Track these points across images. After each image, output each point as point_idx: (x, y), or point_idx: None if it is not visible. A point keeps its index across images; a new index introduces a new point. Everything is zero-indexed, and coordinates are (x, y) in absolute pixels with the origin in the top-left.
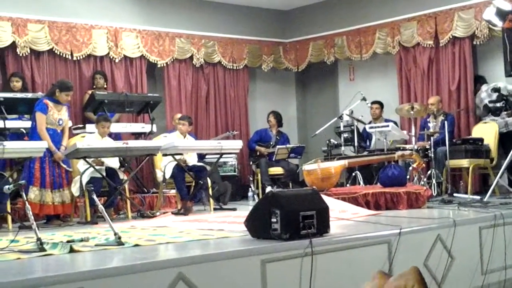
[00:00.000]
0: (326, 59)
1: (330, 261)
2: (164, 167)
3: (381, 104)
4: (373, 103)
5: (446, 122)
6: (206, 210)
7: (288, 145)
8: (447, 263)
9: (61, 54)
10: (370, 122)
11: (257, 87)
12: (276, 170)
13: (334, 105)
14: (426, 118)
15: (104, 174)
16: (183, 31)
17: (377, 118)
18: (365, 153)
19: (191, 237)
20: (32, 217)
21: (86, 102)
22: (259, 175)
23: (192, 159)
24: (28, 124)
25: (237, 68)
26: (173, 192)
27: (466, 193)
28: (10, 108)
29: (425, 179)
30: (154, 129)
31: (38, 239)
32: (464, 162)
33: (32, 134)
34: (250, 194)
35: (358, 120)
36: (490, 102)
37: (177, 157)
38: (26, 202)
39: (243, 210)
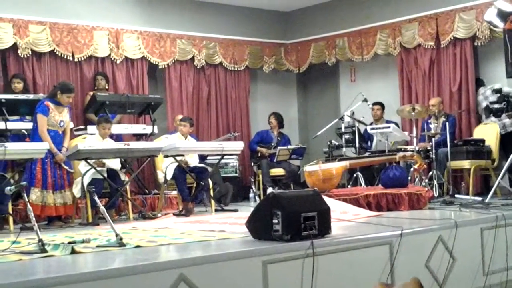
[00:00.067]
0: (327, 60)
1: (332, 262)
2: (165, 168)
3: (382, 105)
4: (374, 104)
5: (447, 123)
6: (207, 211)
7: (289, 146)
8: (448, 264)
9: (62, 56)
10: (371, 123)
11: (258, 88)
12: (278, 171)
13: (335, 106)
14: (427, 119)
15: (106, 175)
16: (184, 32)
17: (378, 119)
18: (367, 154)
19: (192, 238)
20: (34, 219)
21: (87, 104)
22: (260, 176)
23: (193, 160)
24: (29, 125)
25: (238, 69)
26: (174, 193)
27: (467, 194)
28: (12, 109)
29: (426, 180)
30: (155, 131)
31: (40, 240)
32: (466, 163)
33: (33, 135)
34: (251, 195)
35: (359, 121)
36: (492, 103)
37: (179, 158)
38: (28, 204)
39: (245, 211)
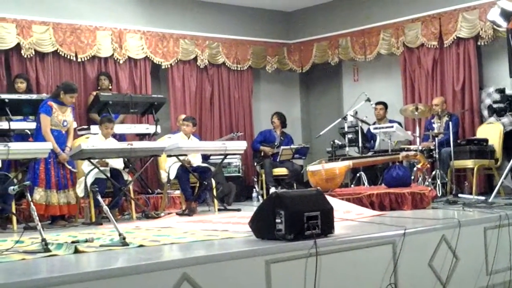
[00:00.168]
0: (330, 60)
1: (335, 261)
2: (168, 168)
3: (385, 105)
4: (377, 103)
5: (450, 122)
6: (210, 211)
7: (292, 146)
8: (452, 263)
9: (65, 56)
10: (374, 123)
11: (261, 88)
12: (281, 170)
13: (338, 106)
14: (431, 119)
15: (109, 175)
16: (187, 32)
17: (382, 118)
18: (370, 153)
19: (195, 238)
20: (37, 218)
21: (90, 103)
22: (263, 175)
23: (196, 160)
24: (32, 125)
25: (241, 69)
26: (177, 193)
27: (470, 193)
28: (15, 109)
29: (429, 180)
30: (159, 130)
31: (43, 239)
32: (469, 163)
33: (36, 135)
34: (254, 194)
35: (363, 121)
36: (495, 102)
37: (182, 158)
38: (31, 203)
39: (248, 210)
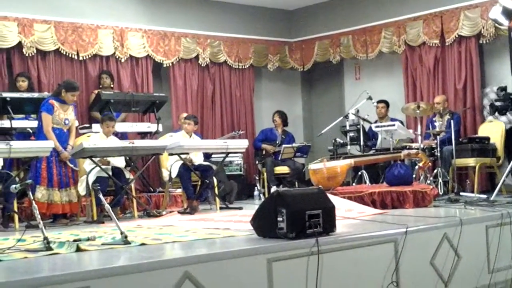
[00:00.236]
0: (332, 58)
1: (336, 260)
2: (170, 166)
3: (387, 103)
4: (379, 102)
5: (452, 121)
6: (212, 209)
7: (294, 144)
8: (453, 262)
9: (67, 54)
10: (376, 121)
11: (262, 86)
12: (282, 169)
13: (340, 104)
14: (432, 117)
15: (110, 173)
16: (188, 30)
17: (383, 117)
18: (371, 152)
19: (197, 236)
20: (39, 216)
21: (92, 102)
22: (265, 174)
23: (198, 159)
24: (34, 123)
25: (243, 67)
26: (179, 191)
27: (472, 192)
28: (17, 107)
29: (431, 178)
30: (160, 129)
31: (45, 238)
32: (471, 161)
33: (38, 134)
34: (256, 193)
35: (364, 119)
36: (497, 100)
37: (183, 156)
38: (33, 202)
39: (249, 209)
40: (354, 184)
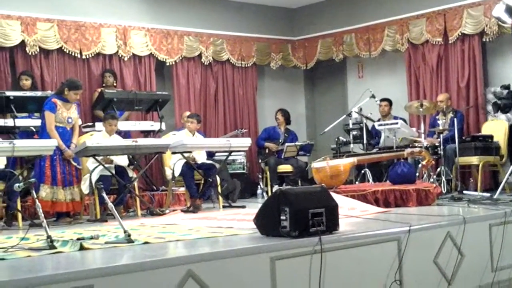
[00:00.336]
0: (335, 56)
1: (340, 258)
2: (173, 165)
3: (390, 102)
4: (382, 100)
5: (455, 119)
6: (215, 208)
7: (297, 143)
8: (457, 260)
9: (70, 53)
10: (379, 120)
11: (265, 85)
12: (285, 167)
13: (343, 102)
14: (435, 116)
15: (114, 172)
16: (191, 29)
17: (386, 115)
18: (374, 150)
19: (200, 235)
20: (42, 215)
21: (95, 100)
22: (267, 172)
23: (201, 157)
24: (37, 122)
25: (246, 66)
26: (182, 189)
27: (475, 190)
28: (20, 106)
29: (434, 177)
30: (163, 127)
31: (48, 236)
32: (474, 159)
33: (41, 132)
34: (259, 191)
35: (367, 118)
36: (500, 99)
37: (186, 155)
38: (36, 200)
39: (252, 207)
40: (357, 182)
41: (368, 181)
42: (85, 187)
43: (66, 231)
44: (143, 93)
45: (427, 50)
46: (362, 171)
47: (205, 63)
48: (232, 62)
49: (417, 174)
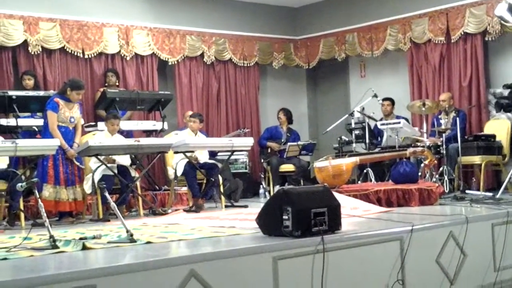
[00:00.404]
0: (337, 56)
1: (342, 258)
2: (175, 164)
3: (392, 101)
4: (384, 99)
5: (457, 118)
6: (217, 207)
7: (299, 142)
8: (459, 260)
9: (72, 52)
10: (381, 119)
11: (268, 84)
12: (287, 167)
13: (345, 102)
14: (438, 115)
15: (116, 171)
16: (193, 28)
17: (389, 114)
18: (377, 150)
19: (202, 234)
20: (45, 215)
21: (97, 100)
22: (270, 172)
23: (203, 157)
24: (40, 122)
25: (248, 65)
26: (184, 189)
27: (478, 189)
28: (22, 106)
29: (437, 176)
30: (165, 127)
31: (51, 236)
32: (476, 159)
33: (44, 132)
34: (261, 191)
35: (369, 117)
36: (502, 98)
37: (189, 154)
38: (39, 200)
39: (255, 207)
40: (359, 182)
41: (371, 180)
42: (87, 187)
43: (69, 231)
44: (146, 92)
45: (429, 49)
46: (365, 171)
47: (207, 63)
48: (234, 62)
49: (420, 173)
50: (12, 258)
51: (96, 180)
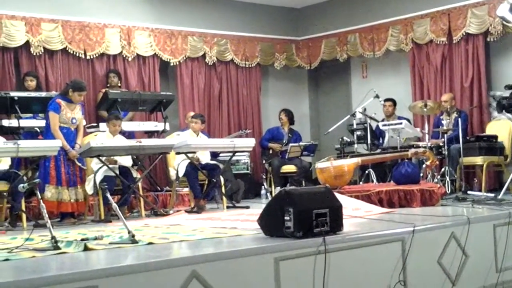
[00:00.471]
0: (339, 56)
1: (344, 259)
2: (177, 165)
3: (394, 102)
4: (386, 100)
5: (459, 119)
6: (219, 208)
7: (301, 143)
8: (461, 261)
9: (74, 53)
10: (383, 120)
11: (269, 85)
12: (289, 168)
13: (347, 102)
14: (439, 116)
15: (118, 172)
16: (195, 29)
17: (390, 115)
18: (378, 150)
19: (204, 235)
20: (47, 216)
21: (99, 101)
22: (271, 173)
23: (205, 157)
24: (42, 123)
25: (250, 66)
26: (186, 190)
27: (480, 190)
28: (24, 107)
29: (438, 177)
30: (167, 128)
31: (53, 237)
32: (478, 160)
33: (46, 133)
34: (263, 192)
35: (371, 118)
36: (503, 98)
37: (190, 155)
38: (41, 201)
39: (256, 208)
40: (361, 183)
41: (372, 181)
42: (89, 188)
43: (70, 232)
44: (147, 93)
45: (431, 50)
46: (366, 172)
47: (209, 63)
48: (236, 62)
49: (421, 174)
50: (14, 259)
51: (97, 181)
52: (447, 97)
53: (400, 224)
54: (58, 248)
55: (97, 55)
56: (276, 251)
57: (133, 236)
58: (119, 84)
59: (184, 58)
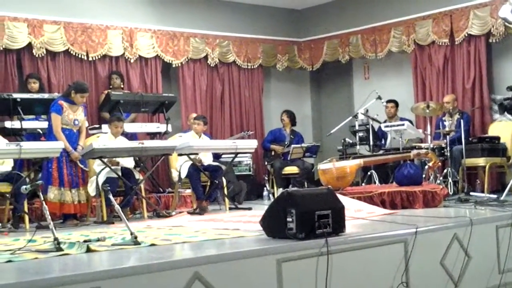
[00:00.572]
0: (341, 58)
1: (346, 260)
2: (179, 166)
3: (396, 103)
4: (388, 101)
5: (462, 120)
6: (221, 210)
7: (303, 144)
8: (463, 262)
9: (76, 55)
10: (385, 121)
11: (271, 86)
12: (291, 169)
13: (349, 104)
14: (442, 117)
15: (120, 174)
16: (197, 31)
17: (392, 117)
18: (381, 152)
19: (206, 237)
20: (49, 217)
21: (101, 102)
22: (273, 174)
23: (207, 159)
24: (44, 124)
25: (252, 67)
26: (188, 191)
27: (482, 191)
28: (27, 108)
29: (441, 178)
30: (169, 129)
31: (55, 239)
32: (481, 161)
33: (48, 134)
34: (265, 193)
35: (373, 119)
36: (506, 99)
37: (192, 156)
38: (43, 202)
39: (258, 209)
40: (363, 184)
41: (375, 182)
42: (91, 189)
43: (73, 233)
44: (150, 95)
45: (433, 51)
46: (369, 173)
47: (211, 65)
48: (238, 64)
49: (424, 175)
50: (16, 261)
51: (100, 183)
52: (449, 98)
53: (403, 226)
54: (61, 249)
55: (99, 57)
56: (278, 252)
57: (136, 237)
58: (122, 86)
59: (186, 60)
